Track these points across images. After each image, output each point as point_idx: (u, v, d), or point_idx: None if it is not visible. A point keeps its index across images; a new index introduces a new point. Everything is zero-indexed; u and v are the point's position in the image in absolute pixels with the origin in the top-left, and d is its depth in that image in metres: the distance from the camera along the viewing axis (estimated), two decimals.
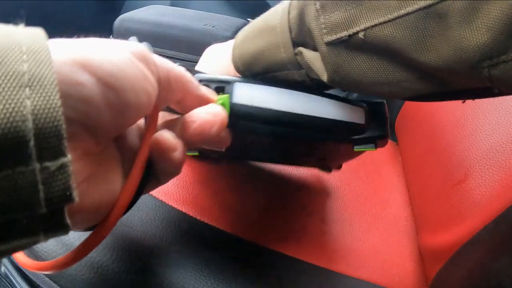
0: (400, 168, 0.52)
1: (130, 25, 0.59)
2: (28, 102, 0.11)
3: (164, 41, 0.57)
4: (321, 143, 0.28)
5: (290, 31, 0.24)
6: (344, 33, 0.21)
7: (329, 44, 0.21)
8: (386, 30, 0.19)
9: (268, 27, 0.26)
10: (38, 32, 0.14)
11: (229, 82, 0.26)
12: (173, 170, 0.21)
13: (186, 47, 0.57)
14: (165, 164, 0.20)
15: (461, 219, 0.32)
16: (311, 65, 0.24)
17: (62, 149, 0.12)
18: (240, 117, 0.25)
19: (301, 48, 0.24)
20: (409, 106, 0.56)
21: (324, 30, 0.21)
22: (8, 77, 0.11)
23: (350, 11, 0.20)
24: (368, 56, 0.21)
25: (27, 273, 0.28)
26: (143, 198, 0.33)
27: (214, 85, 0.26)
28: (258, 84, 0.26)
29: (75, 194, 0.13)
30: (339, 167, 0.40)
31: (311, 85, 0.26)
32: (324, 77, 0.23)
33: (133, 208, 0.32)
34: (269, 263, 0.31)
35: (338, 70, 0.22)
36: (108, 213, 0.18)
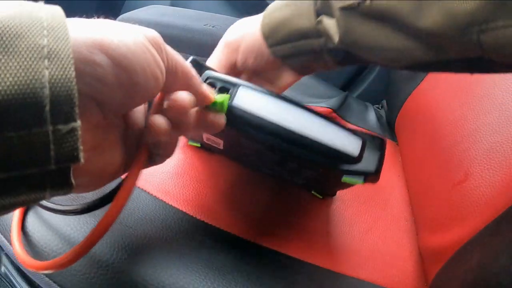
0: (400, 168, 0.52)
1: None
2: (47, 72, 0.13)
3: (164, 41, 0.57)
4: (310, 165, 0.28)
5: (315, 3, 0.28)
6: (354, 1, 0.25)
7: (342, 9, 0.26)
8: None
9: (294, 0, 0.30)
10: (57, 10, 0.15)
11: (235, 84, 0.26)
12: (165, 153, 0.22)
13: (186, 47, 0.57)
14: (158, 147, 0.21)
15: (461, 219, 0.32)
16: (327, 29, 0.28)
17: (74, 115, 0.14)
18: (235, 119, 0.25)
19: (323, 16, 0.28)
20: (409, 106, 0.56)
21: None
22: (30, 49, 0.13)
23: None
24: (374, 23, 0.25)
25: (27, 273, 0.28)
26: (143, 198, 0.33)
27: (220, 84, 0.26)
28: (264, 92, 0.26)
29: (82, 156, 0.14)
30: (333, 194, 0.39)
31: (330, 61, 0.30)
32: (336, 38, 0.27)
33: (133, 208, 0.32)
34: (269, 263, 0.31)
35: (348, 32, 0.26)
36: (116, 196, 0.20)
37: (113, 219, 0.20)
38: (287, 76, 0.35)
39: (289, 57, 0.32)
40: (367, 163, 0.27)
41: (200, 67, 0.28)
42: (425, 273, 0.36)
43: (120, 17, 0.60)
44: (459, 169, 0.35)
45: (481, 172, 0.32)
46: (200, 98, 0.22)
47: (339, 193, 0.41)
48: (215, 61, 0.35)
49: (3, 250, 0.30)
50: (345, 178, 0.27)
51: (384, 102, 0.73)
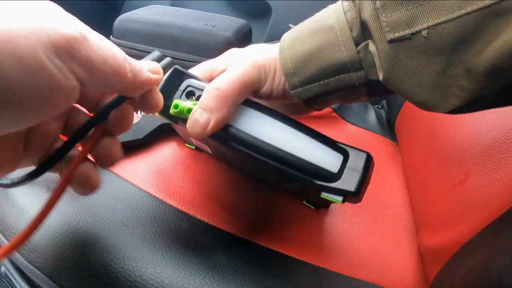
0: (400, 168, 0.52)
1: (130, 25, 0.59)
2: None
3: (164, 41, 0.57)
4: (289, 178, 0.26)
5: (351, 30, 0.24)
6: (407, 31, 0.21)
7: (391, 41, 0.22)
8: (447, 29, 0.20)
9: (324, 27, 0.25)
10: None
11: None
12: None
13: (186, 47, 0.57)
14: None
15: (461, 219, 0.32)
16: (375, 58, 0.23)
17: None
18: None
19: (368, 41, 0.24)
20: (409, 106, 0.56)
21: (387, 28, 0.22)
22: None
23: (411, 10, 0.21)
24: (426, 55, 0.21)
25: (27, 273, 0.28)
26: (143, 198, 0.33)
27: (199, 93, 0.26)
28: (243, 103, 0.26)
29: None
30: (326, 205, 0.38)
31: (364, 94, 0.26)
32: (381, 75, 0.23)
33: (133, 208, 0.32)
34: (269, 263, 0.31)
35: (394, 68, 0.22)
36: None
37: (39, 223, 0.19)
38: (296, 112, 0.31)
39: (317, 97, 0.27)
40: (347, 182, 0.25)
41: (181, 75, 0.27)
42: (425, 273, 0.36)
43: (120, 17, 0.60)
44: (459, 169, 0.35)
45: (481, 172, 0.32)
46: (147, 103, 0.22)
47: None
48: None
49: None
50: (324, 195, 0.25)
51: (384, 102, 0.73)
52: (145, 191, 0.33)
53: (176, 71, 0.27)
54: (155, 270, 0.26)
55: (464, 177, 0.34)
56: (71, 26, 0.16)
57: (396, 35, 0.21)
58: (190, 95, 0.26)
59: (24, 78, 0.14)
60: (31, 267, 0.27)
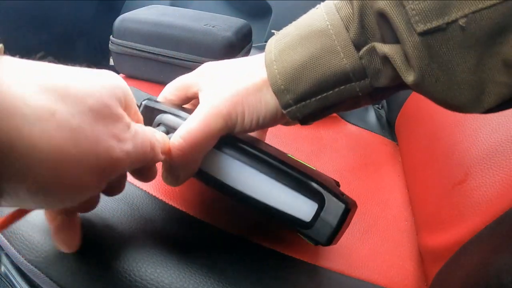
0: (400, 168, 0.52)
1: (130, 25, 0.59)
2: None
3: (164, 41, 0.57)
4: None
5: (348, 30, 0.20)
6: (441, 21, 0.17)
7: (423, 34, 0.18)
8: (486, 17, 0.17)
9: (315, 31, 0.21)
10: None
11: None
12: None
13: (186, 47, 0.57)
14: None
15: (461, 219, 0.32)
16: (393, 61, 0.20)
17: None
18: None
19: (374, 44, 0.20)
20: (409, 106, 0.56)
21: (416, 18, 0.18)
22: None
23: None
24: (461, 49, 0.18)
25: (27, 273, 0.28)
26: (143, 198, 0.33)
27: (172, 131, 0.26)
28: (216, 147, 0.25)
29: None
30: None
31: (367, 102, 0.23)
32: (410, 77, 0.19)
33: (133, 207, 0.32)
34: (269, 263, 0.31)
35: (429, 66, 0.19)
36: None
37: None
38: (288, 122, 0.27)
39: (315, 114, 0.24)
40: (318, 233, 0.24)
41: (152, 111, 0.27)
42: (425, 273, 0.36)
43: (120, 17, 0.60)
44: (459, 169, 0.35)
45: (481, 172, 0.32)
46: (142, 178, 0.23)
47: None
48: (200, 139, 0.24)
49: (3, 250, 0.30)
50: (299, 234, 0.25)
51: (384, 102, 0.73)
52: (145, 191, 0.33)
53: (146, 108, 0.27)
54: (155, 270, 0.26)
55: (464, 177, 0.34)
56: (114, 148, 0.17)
57: (428, 26, 0.18)
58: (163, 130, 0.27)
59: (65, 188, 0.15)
60: (31, 267, 0.27)
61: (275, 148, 0.31)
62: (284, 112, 0.23)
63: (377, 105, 0.73)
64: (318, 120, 0.25)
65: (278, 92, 0.23)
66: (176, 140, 0.23)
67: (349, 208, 0.24)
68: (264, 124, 0.25)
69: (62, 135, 0.14)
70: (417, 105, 0.54)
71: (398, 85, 0.21)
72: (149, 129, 0.22)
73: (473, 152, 0.35)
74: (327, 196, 0.24)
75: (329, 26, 0.21)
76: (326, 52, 0.21)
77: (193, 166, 0.25)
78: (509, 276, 0.23)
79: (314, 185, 0.24)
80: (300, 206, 0.24)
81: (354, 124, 0.60)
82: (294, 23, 0.23)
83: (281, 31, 0.24)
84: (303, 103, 0.23)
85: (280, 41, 0.23)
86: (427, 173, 0.42)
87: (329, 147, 0.52)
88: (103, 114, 0.16)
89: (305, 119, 0.24)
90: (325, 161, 0.49)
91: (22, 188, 0.14)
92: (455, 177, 0.35)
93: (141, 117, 0.23)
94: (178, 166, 0.24)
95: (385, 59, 0.20)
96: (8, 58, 0.14)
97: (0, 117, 0.12)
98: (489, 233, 0.29)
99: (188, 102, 0.29)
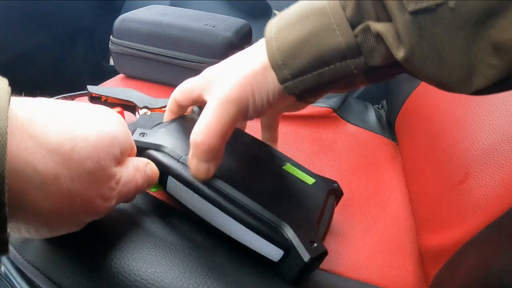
0: (400, 168, 0.52)
1: (130, 25, 0.59)
2: None
3: (164, 41, 0.57)
4: None
5: (344, 9, 0.21)
6: (432, 2, 0.18)
7: (413, 13, 0.19)
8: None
9: (314, 10, 0.22)
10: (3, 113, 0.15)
11: (167, 173, 0.28)
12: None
13: (186, 47, 0.57)
14: None
15: (461, 219, 0.32)
16: (385, 38, 0.20)
17: (3, 227, 0.15)
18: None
19: (368, 22, 0.21)
20: (409, 106, 0.56)
21: None
22: None
23: None
24: (449, 30, 0.19)
25: (27, 273, 0.28)
26: (143, 198, 0.33)
27: (159, 167, 0.28)
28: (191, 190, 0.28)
29: (8, 249, 0.16)
30: None
31: (363, 81, 0.24)
32: (400, 53, 0.20)
33: (133, 207, 0.32)
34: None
35: (419, 44, 0.20)
36: None
37: None
38: (291, 108, 0.31)
39: (311, 90, 0.24)
40: (284, 273, 0.27)
41: (139, 149, 0.28)
42: (425, 273, 0.36)
43: (120, 17, 0.60)
44: (459, 169, 0.35)
45: (481, 172, 0.32)
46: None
47: None
48: (217, 125, 0.24)
49: None
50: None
51: (384, 102, 0.73)
52: (145, 190, 0.33)
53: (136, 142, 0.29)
54: (155, 270, 0.26)
55: (464, 177, 0.34)
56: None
57: (419, 5, 0.19)
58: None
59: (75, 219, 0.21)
60: (31, 267, 0.27)
61: (270, 164, 0.34)
62: (282, 86, 0.24)
63: (377, 105, 0.73)
64: (315, 98, 0.26)
65: (276, 67, 0.24)
66: (197, 136, 0.25)
67: (308, 264, 0.25)
68: (274, 102, 0.25)
69: (60, 197, 0.18)
70: (417, 105, 0.54)
71: (393, 64, 0.22)
72: (142, 163, 0.26)
73: (473, 152, 0.35)
74: (297, 243, 0.25)
75: (326, 5, 0.22)
76: (323, 30, 0.22)
77: (220, 154, 0.26)
78: (510, 276, 0.23)
79: (284, 234, 0.26)
80: (269, 250, 0.27)
81: (354, 124, 0.60)
82: (294, 4, 0.25)
83: (282, 12, 0.25)
84: (300, 78, 0.23)
85: (280, 20, 0.24)
86: (427, 173, 0.42)
87: (329, 147, 0.52)
88: (97, 176, 0.20)
89: (302, 95, 0.25)
90: (325, 161, 0.49)
91: (29, 227, 0.18)
92: (455, 177, 0.35)
93: (135, 150, 0.26)
94: (206, 160, 0.26)
95: (379, 37, 0.21)
96: (15, 110, 0.16)
97: (12, 182, 0.15)
98: (489, 233, 0.29)
99: (195, 105, 0.31)
